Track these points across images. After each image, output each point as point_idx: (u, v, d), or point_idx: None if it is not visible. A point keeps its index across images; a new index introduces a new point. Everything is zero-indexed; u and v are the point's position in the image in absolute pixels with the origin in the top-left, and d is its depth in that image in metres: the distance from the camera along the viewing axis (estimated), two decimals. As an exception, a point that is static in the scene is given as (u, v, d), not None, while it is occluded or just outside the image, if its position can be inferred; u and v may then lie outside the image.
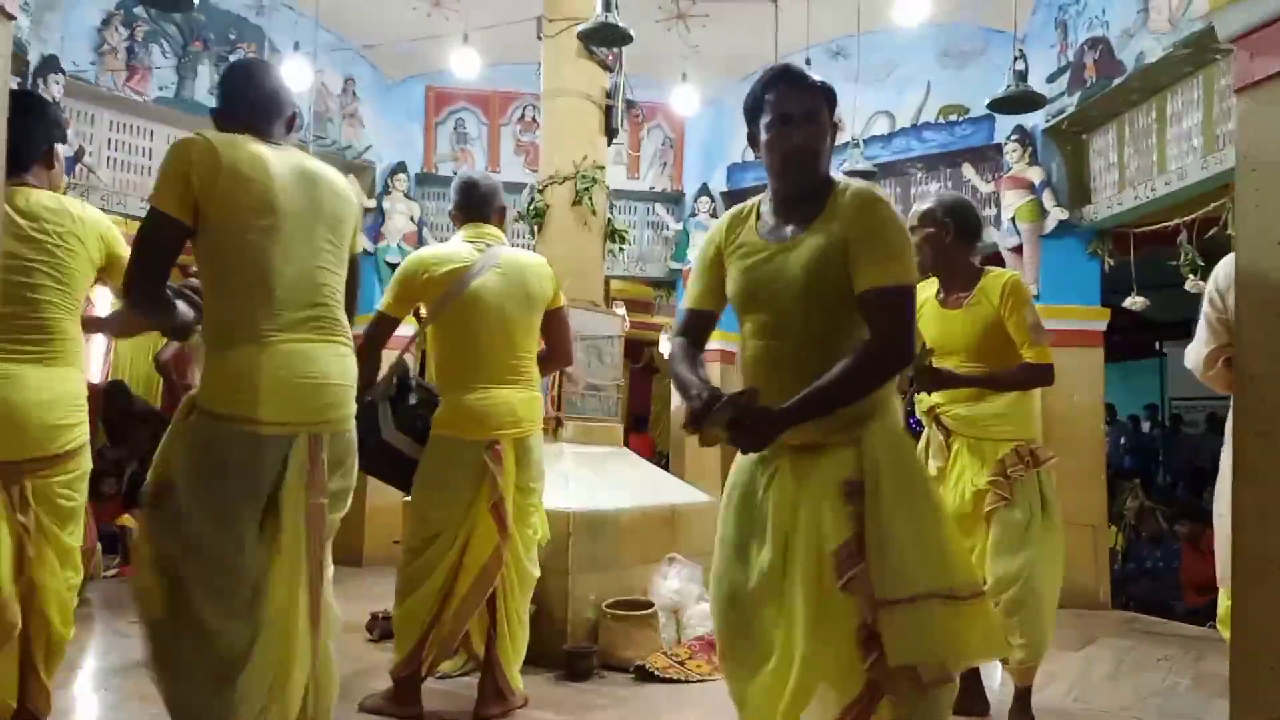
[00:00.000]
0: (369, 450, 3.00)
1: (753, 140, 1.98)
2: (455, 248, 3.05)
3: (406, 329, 3.19)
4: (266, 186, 1.97)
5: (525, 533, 3.08)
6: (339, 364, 2.09)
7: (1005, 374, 2.93)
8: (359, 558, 6.28)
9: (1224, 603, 2.88)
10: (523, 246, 6.16)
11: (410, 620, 2.94)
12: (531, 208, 4.55)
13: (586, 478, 3.99)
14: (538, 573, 3.16)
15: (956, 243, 2.96)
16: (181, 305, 2.09)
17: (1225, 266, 2.82)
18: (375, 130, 6.67)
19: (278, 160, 2.03)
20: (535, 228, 4.57)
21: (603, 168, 4.56)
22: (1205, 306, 2.94)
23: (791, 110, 1.90)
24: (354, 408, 2.17)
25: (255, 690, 1.87)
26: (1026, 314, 2.89)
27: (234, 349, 1.95)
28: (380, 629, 4.05)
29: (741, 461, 2.03)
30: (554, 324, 3.19)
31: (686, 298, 2.20)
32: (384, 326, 3.02)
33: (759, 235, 2.01)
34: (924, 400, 3.08)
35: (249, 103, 2.09)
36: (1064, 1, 5.27)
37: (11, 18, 2.51)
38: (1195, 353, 2.98)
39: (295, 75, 5.58)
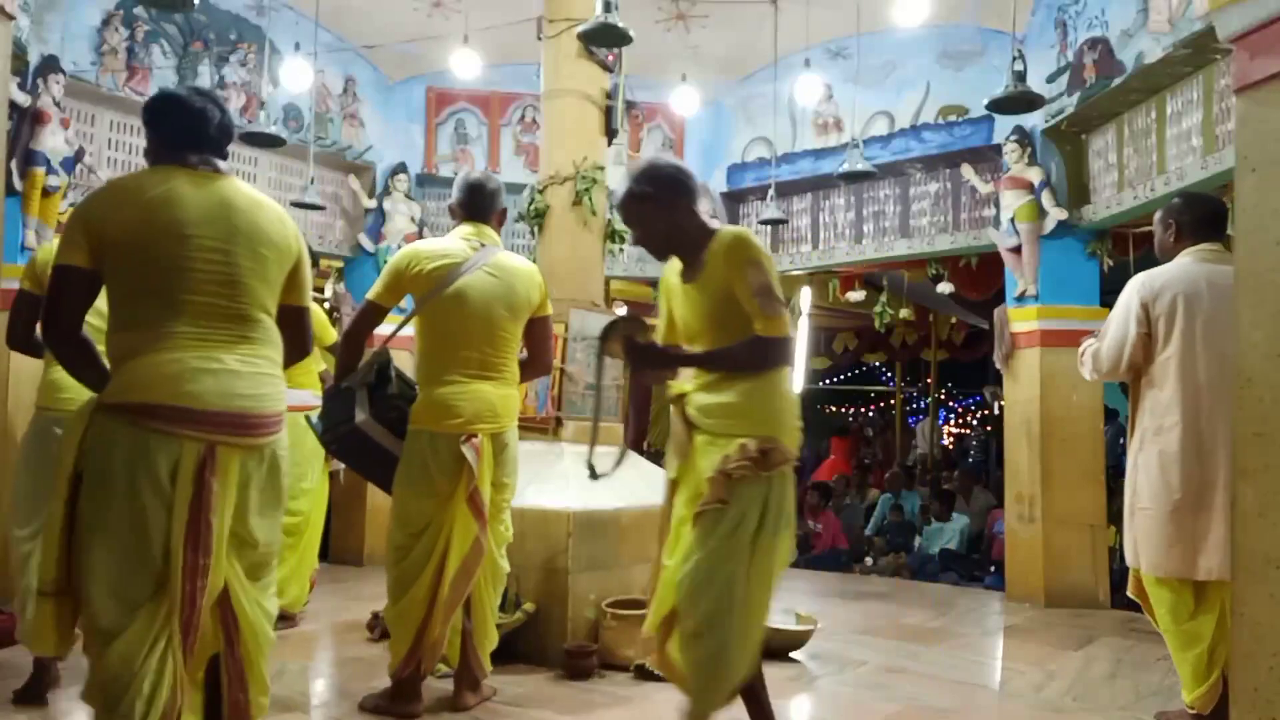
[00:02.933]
0: (342, 436, 3.03)
1: None
2: (450, 244, 3.09)
3: (385, 326, 3.21)
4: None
5: (497, 529, 3.13)
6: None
7: (728, 350, 2.41)
8: (359, 558, 6.29)
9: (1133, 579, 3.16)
10: (523, 246, 6.19)
11: (403, 620, 2.96)
12: (531, 208, 4.55)
13: (587, 478, 3.99)
14: (508, 568, 3.21)
15: (669, 209, 2.48)
16: None
17: (1149, 281, 3.10)
18: (376, 131, 6.67)
19: None
20: (535, 228, 4.58)
21: (603, 168, 4.56)
22: (1130, 320, 3.10)
23: None
24: None
25: None
26: (751, 276, 2.32)
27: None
28: (380, 628, 4.05)
29: None
30: (537, 330, 3.23)
31: None
32: (371, 315, 3.07)
33: None
34: (672, 387, 2.57)
35: None
36: (1063, 2, 5.28)
37: (11, 18, 2.52)
38: (1111, 357, 3.17)
39: (295, 75, 5.60)
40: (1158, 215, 3.28)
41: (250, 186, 2.32)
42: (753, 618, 2.34)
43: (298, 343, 2.37)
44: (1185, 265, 3.08)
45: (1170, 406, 2.97)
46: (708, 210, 2.53)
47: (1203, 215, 3.13)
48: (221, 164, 2.24)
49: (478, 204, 3.19)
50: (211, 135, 2.22)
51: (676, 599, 2.34)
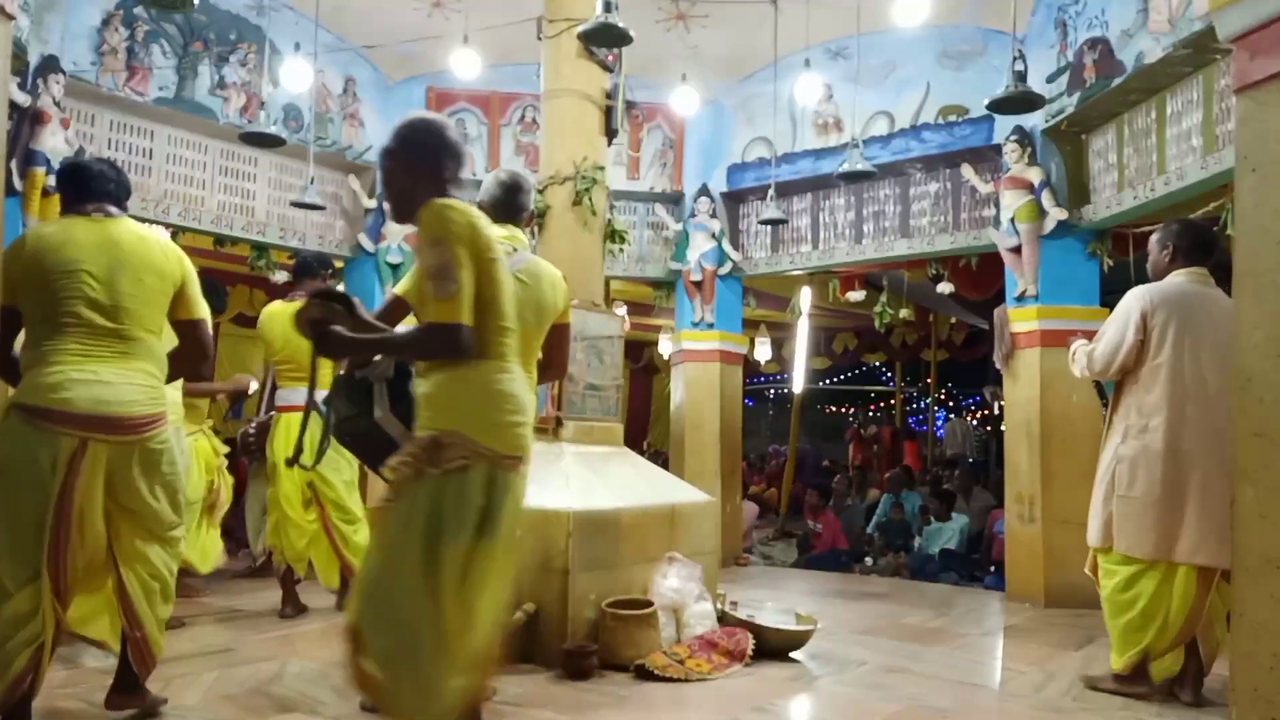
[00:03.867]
0: (358, 431, 3.00)
1: None
2: None
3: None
4: None
5: None
6: None
7: (399, 335, 2.32)
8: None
9: (1091, 558, 3.60)
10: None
11: None
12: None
13: (586, 478, 4.00)
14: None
15: (407, 170, 2.33)
16: None
17: (1151, 294, 3.45)
18: (376, 130, 6.67)
19: None
20: (535, 228, 4.58)
21: (603, 168, 4.56)
22: (1130, 328, 3.42)
23: None
24: None
25: None
26: (427, 255, 2.14)
27: None
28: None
29: None
30: (557, 336, 3.19)
31: None
32: (397, 311, 3.02)
33: None
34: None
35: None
36: (1063, 2, 5.28)
37: (11, 18, 2.52)
38: (1106, 358, 3.50)
39: (296, 75, 5.60)
40: (1155, 237, 3.64)
41: (140, 225, 2.83)
42: (456, 639, 2.09)
43: (194, 351, 2.90)
44: (1180, 284, 3.46)
45: (1157, 408, 3.34)
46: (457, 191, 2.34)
47: (1196, 242, 3.52)
48: (114, 210, 2.79)
49: (512, 205, 3.16)
50: (110, 191, 2.81)
51: (355, 611, 2.16)
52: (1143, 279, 5.66)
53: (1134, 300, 3.45)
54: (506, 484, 2.21)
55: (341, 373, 3.10)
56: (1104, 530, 3.45)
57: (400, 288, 2.99)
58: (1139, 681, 3.39)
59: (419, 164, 2.32)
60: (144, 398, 2.68)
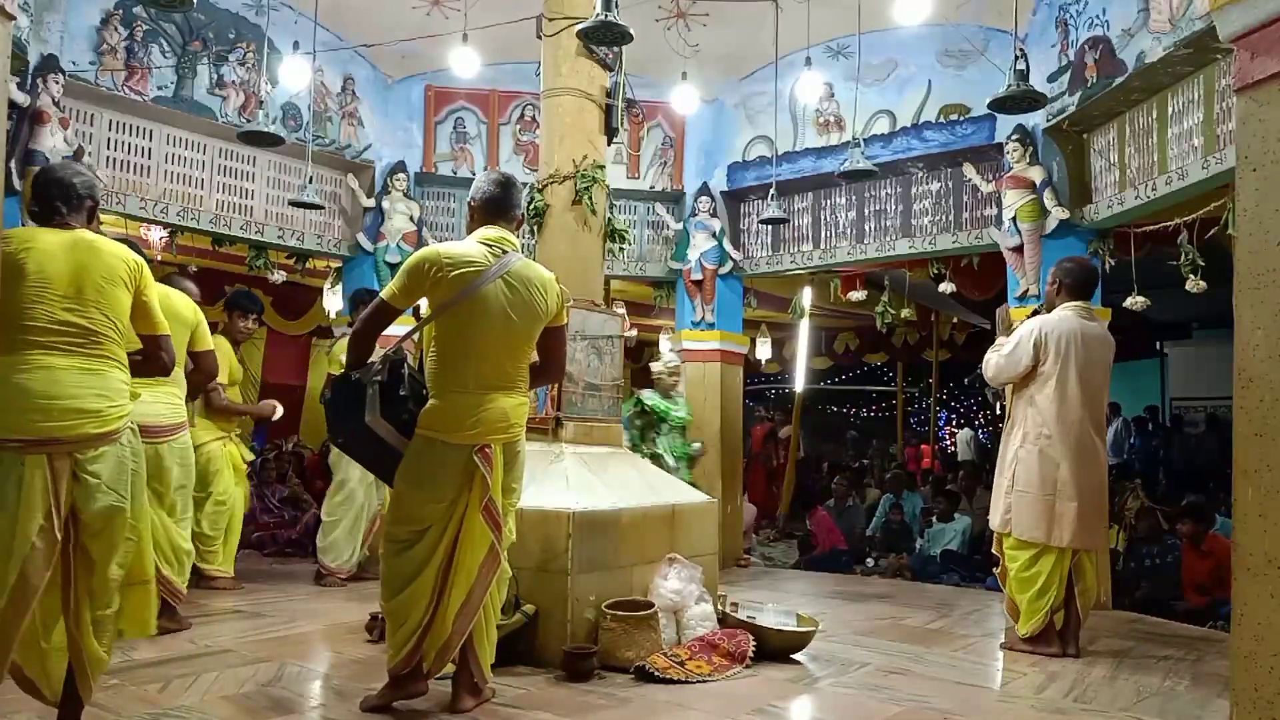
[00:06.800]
0: (350, 432, 3.00)
1: None
2: (472, 249, 3.01)
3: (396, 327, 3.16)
4: None
5: (502, 533, 3.09)
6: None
7: None
8: (359, 558, 6.27)
9: (996, 540, 4.28)
10: (522, 246, 6.19)
11: (401, 615, 2.94)
12: (531, 207, 4.53)
13: (586, 478, 3.99)
14: (509, 571, 3.19)
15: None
16: None
17: (1045, 326, 4.05)
18: (375, 129, 6.66)
19: None
20: (535, 227, 4.56)
21: (603, 167, 4.55)
22: (1026, 354, 4.02)
23: None
24: None
25: None
26: None
27: None
28: (379, 629, 4.04)
29: None
30: (552, 339, 3.18)
31: None
32: (383, 315, 3.01)
33: None
34: None
35: None
36: (1064, 1, 5.27)
37: (11, 18, 2.51)
38: (1006, 373, 4.15)
39: (294, 74, 5.60)
40: (1051, 269, 4.29)
41: None
42: None
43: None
44: (1067, 318, 4.06)
45: (1048, 422, 4.02)
46: None
47: (1080, 281, 4.16)
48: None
49: (503, 205, 3.13)
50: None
51: None
52: (1146, 278, 5.71)
53: (1034, 329, 4.07)
54: (9, 466, 2.43)
55: (336, 374, 3.10)
56: (1003, 517, 4.11)
57: (386, 292, 2.99)
58: (1047, 642, 4.04)
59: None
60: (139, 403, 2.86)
